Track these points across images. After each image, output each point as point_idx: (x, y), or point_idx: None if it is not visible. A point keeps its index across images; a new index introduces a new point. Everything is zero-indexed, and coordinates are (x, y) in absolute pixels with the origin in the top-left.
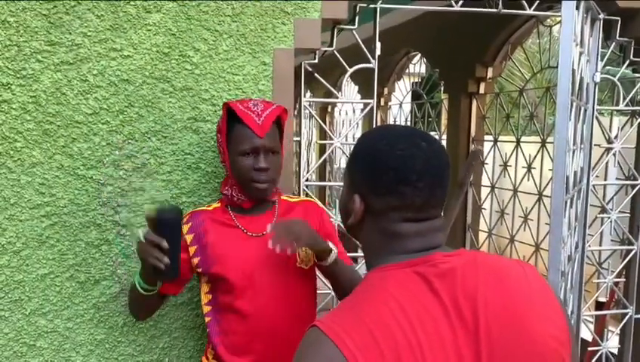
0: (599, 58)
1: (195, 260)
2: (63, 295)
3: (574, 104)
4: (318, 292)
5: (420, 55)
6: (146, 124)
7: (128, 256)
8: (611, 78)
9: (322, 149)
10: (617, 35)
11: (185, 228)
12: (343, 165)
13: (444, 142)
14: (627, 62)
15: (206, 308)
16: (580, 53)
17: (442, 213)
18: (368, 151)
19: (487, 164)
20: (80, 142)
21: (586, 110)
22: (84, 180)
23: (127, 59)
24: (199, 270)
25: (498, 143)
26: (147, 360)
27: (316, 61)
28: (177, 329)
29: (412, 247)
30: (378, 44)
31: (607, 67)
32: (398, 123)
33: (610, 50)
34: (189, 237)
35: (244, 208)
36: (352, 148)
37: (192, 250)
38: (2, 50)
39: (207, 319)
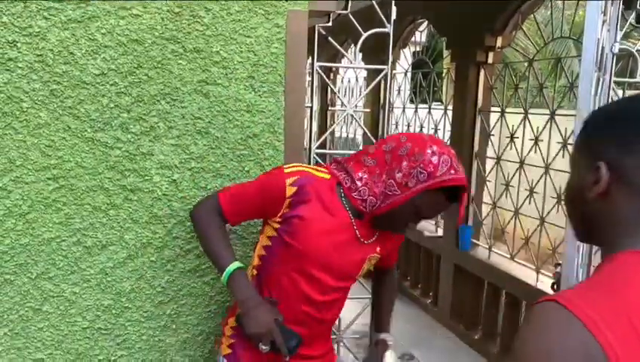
0: (619, 28)
1: (279, 220)
2: (69, 259)
3: (595, 75)
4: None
5: (426, 23)
6: (155, 86)
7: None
8: (630, 48)
9: (324, 117)
10: (638, 4)
11: (290, 189)
12: (344, 134)
13: (449, 113)
14: None
15: (256, 262)
16: (603, 22)
17: None
18: (617, 112)
19: (493, 135)
20: (87, 103)
21: (602, 81)
22: (92, 143)
23: (136, 19)
24: (273, 233)
25: (506, 115)
26: (154, 326)
27: (330, 24)
28: (185, 297)
29: None
30: (394, 8)
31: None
32: (402, 91)
33: (629, 21)
34: (288, 201)
35: (359, 214)
36: (583, 125)
37: (283, 212)
38: (8, 6)
39: (251, 271)
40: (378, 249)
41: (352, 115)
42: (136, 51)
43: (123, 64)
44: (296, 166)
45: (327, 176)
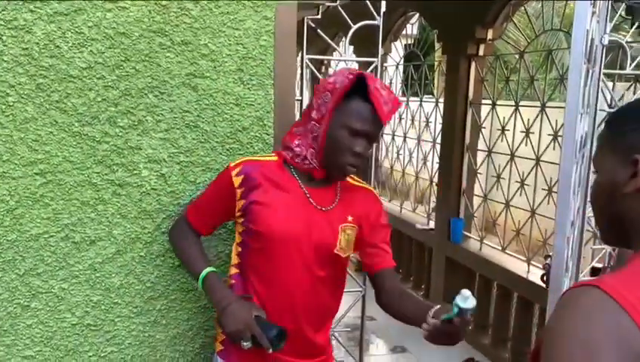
0: (608, 19)
1: (239, 214)
2: (57, 255)
3: (585, 66)
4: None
5: (418, 15)
6: (142, 79)
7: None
8: (620, 39)
9: None
10: None
11: (236, 180)
12: None
13: (440, 106)
14: (636, 24)
15: (235, 261)
16: (593, 14)
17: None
18: None
19: (484, 128)
20: (74, 97)
21: (592, 73)
22: (79, 137)
23: (123, 11)
24: (241, 228)
25: (497, 107)
26: (144, 321)
27: (319, 16)
28: (174, 292)
29: None
30: (383, 2)
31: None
32: (394, 84)
33: (619, 13)
34: (239, 191)
35: (312, 176)
36: (612, 120)
37: (239, 204)
38: None
39: (233, 271)
40: (350, 218)
41: None
42: (123, 44)
43: (110, 57)
44: (243, 158)
45: (275, 158)
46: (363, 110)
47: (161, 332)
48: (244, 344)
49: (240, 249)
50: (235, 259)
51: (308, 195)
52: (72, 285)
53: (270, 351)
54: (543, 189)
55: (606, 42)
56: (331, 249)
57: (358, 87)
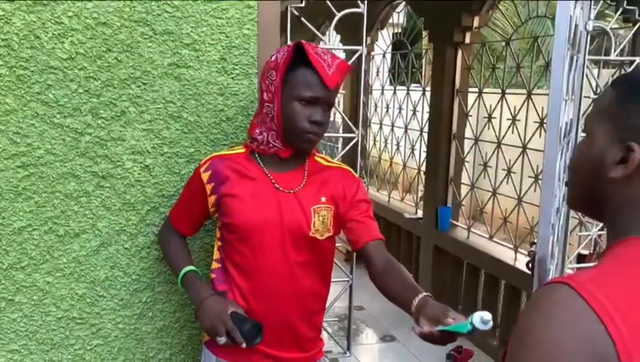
0: (592, 6)
1: (213, 209)
2: (41, 248)
3: (568, 53)
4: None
5: (404, 3)
6: (124, 70)
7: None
8: (604, 26)
9: None
10: None
11: (205, 176)
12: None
13: (427, 95)
14: (620, 9)
15: (216, 256)
16: (576, 0)
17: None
18: None
19: (471, 116)
20: (56, 88)
21: (577, 59)
22: (61, 129)
23: (104, 1)
24: (218, 223)
25: (483, 95)
26: (129, 314)
27: (303, 4)
28: (160, 284)
29: None
30: None
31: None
32: (381, 73)
33: None
34: (208, 187)
35: (279, 159)
36: (611, 89)
37: (210, 200)
38: None
39: (214, 265)
40: (323, 199)
41: None
42: (104, 34)
43: (91, 48)
44: (212, 155)
45: (242, 150)
46: (309, 78)
47: (147, 325)
48: (219, 339)
49: (220, 243)
50: (216, 254)
51: (273, 180)
52: (57, 278)
53: (244, 345)
54: (529, 177)
55: (590, 28)
56: (306, 232)
57: (301, 57)
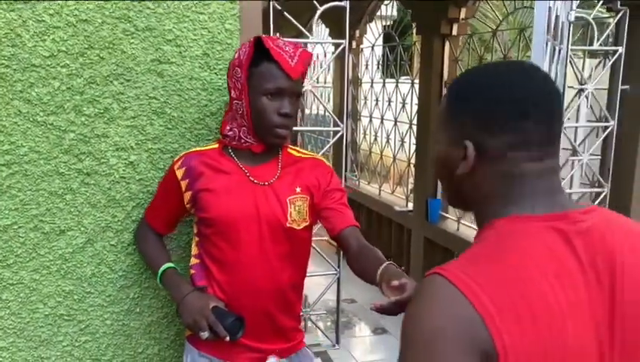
0: None
1: (189, 205)
2: (27, 246)
3: (549, 44)
4: None
5: None
6: (107, 66)
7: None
8: (586, 16)
9: None
10: None
11: (179, 172)
12: (314, 111)
13: (416, 86)
14: (602, 0)
15: (195, 251)
16: None
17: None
18: (477, 88)
19: None
20: (38, 86)
21: (559, 50)
22: (45, 127)
23: None
24: (195, 218)
25: None
26: (117, 310)
27: None
28: (148, 279)
29: (535, 189)
30: None
31: (580, 8)
32: (370, 66)
33: None
34: (183, 183)
35: (252, 153)
36: (448, 93)
37: (186, 196)
38: None
39: (193, 261)
40: (298, 189)
41: (311, 91)
42: (86, 31)
43: (73, 45)
44: (185, 151)
45: (216, 146)
46: (273, 71)
47: (135, 321)
48: (202, 334)
49: (197, 239)
50: (194, 250)
51: (247, 173)
52: (44, 276)
53: (227, 339)
54: None
55: (572, 19)
56: (283, 223)
57: (263, 52)
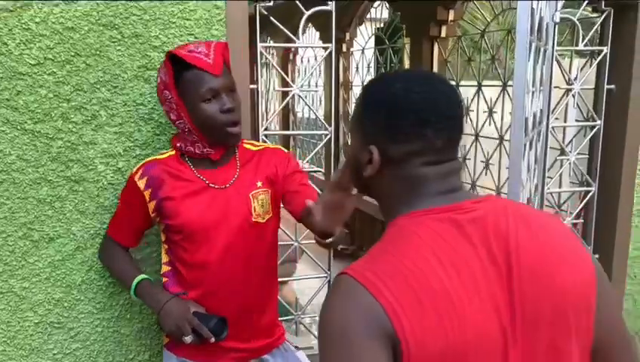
0: None
1: (154, 214)
2: (16, 254)
3: (533, 45)
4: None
5: None
6: (94, 74)
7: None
8: (572, 17)
9: (285, 98)
10: None
11: (141, 183)
12: (307, 114)
13: None
14: (586, 1)
15: (165, 259)
16: None
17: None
18: (382, 97)
19: None
20: (25, 94)
21: (545, 51)
22: (32, 135)
23: (70, 6)
24: (161, 226)
25: (460, 88)
26: (107, 317)
27: (271, 4)
28: None
29: (436, 190)
30: None
31: (567, 8)
32: (360, 69)
33: None
34: (146, 193)
35: (210, 160)
36: (358, 99)
37: (150, 206)
38: None
39: (164, 269)
40: (259, 183)
41: (299, 95)
42: (72, 39)
43: (60, 53)
44: (143, 161)
45: (173, 152)
46: (196, 75)
47: (125, 327)
48: (186, 339)
49: (167, 246)
50: (164, 258)
51: (206, 180)
52: (33, 284)
53: (212, 340)
54: (507, 168)
55: (557, 20)
56: (248, 219)
57: (181, 63)
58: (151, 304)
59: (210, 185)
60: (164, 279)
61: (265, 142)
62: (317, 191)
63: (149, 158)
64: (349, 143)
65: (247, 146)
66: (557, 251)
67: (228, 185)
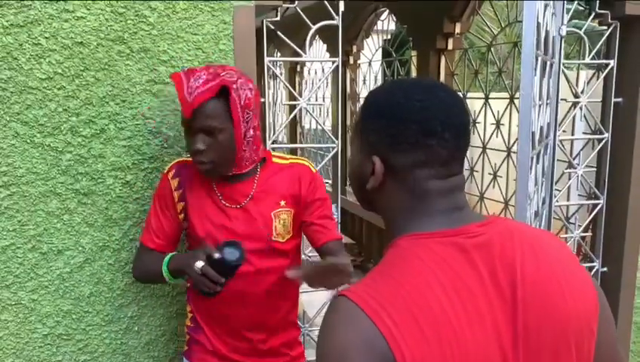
0: (565, 11)
1: (182, 216)
2: (25, 266)
3: (540, 58)
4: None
5: (387, 11)
6: (103, 88)
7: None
8: (577, 31)
9: (293, 110)
10: None
11: (174, 182)
12: (314, 126)
13: None
14: (592, 14)
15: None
16: (545, 6)
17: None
18: (384, 106)
19: None
20: (35, 108)
21: (552, 64)
22: (42, 148)
23: (80, 21)
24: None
25: (467, 100)
26: (115, 329)
27: (278, 18)
28: (145, 298)
29: (440, 207)
30: (342, 2)
31: (574, 20)
32: (367, 82)
33: (575, 3)
34: (176, 194)
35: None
36: (360, 108)
37: (179, 206)
38: None
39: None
40: (283, 203)
41: (305, 108)
42: (82, 54)
43: (69, 67)
44: (174, 161)
45: None
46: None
47: (133, 339)
48: (197, 264)
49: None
50: None
51: (220, 196)
52: (42, 296)
53: (216, 255)
54: (514, 180)
55: (564, 33)
56: (268, 238)
57: None
58: (180, 268)
59: (223, 201)
60: (188, 284)
61: None
62: (335, 224)
63: (179, 159)
64: (350, 156)
65: (276, 160)
66: (562, 278)
67: (243, 204)
